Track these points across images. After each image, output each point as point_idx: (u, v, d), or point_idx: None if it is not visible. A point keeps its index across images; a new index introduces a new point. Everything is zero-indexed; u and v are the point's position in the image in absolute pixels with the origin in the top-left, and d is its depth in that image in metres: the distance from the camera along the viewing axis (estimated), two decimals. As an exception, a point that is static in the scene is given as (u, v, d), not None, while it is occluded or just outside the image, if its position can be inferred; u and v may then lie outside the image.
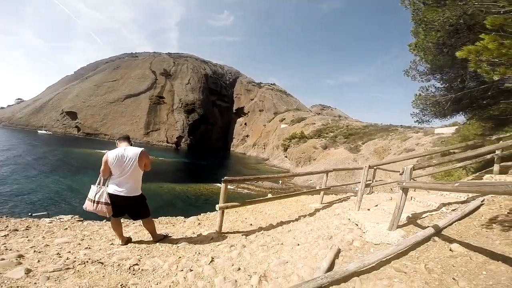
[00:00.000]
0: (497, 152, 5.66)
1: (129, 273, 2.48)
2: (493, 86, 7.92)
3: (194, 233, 4.16)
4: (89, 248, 3.13)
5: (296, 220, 4.86)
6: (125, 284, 2.27)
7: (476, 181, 5.71)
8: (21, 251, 2.80)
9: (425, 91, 10.91)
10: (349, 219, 4.16)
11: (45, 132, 71.28)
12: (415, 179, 5.56)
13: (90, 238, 3.58)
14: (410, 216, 3.72)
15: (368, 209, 4.62)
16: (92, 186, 3.28)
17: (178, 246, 3.36)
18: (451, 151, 9.57)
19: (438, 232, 2.97)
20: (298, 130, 57.72)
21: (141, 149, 3.32)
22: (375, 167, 7.58)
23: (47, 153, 39.24)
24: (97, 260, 2.65)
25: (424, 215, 3.81)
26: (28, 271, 2.26)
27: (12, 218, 4.26)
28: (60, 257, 2.73)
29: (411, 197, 4.93)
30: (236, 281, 2.44)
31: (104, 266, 2.55)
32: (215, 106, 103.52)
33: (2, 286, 2.01)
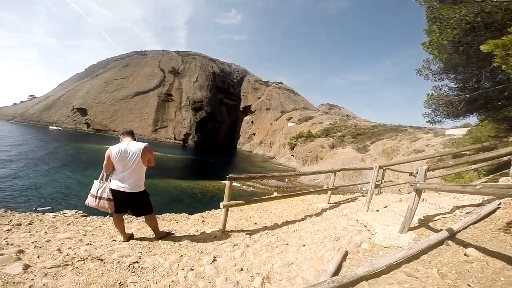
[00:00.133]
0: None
1: (129, 271, 2.41)
2: (510, 86, 7.61)
3: (197, 230, 4.09)
4: (91, 244, 3.08)
5: (302, 219, 4.73)
6: (124, 282, 2.20)
7: (499, 183, 5.45)
8: (22, 246, 2.77)
9: (438, 90, 10.58)
10: (357, 220, 4.01)
11: (56, 128, 72.96)
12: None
13: (92, 234, 3.55)
14: (422, 218, 3.55)
15: (377, 210, 4.46)
16: (94, 181, 3.23)
17: (180, 244, 3.28)
18: (463, 152, 9.26)
19: (452, 235, 2.81)
20: (305, 129, 57.30)
21: (145, 144, 3.25)
22: (385, 168, 7.36)
23: (58, 148, 40.14)
24: (97, 257, 2.59)
25: (436, 218, 3.63)
26: (26, 266, 2.22)
27: (17, 212, 4.27)
28: (60, 253, 2.69)
29: (423, 199, 4.73)
30: (238, 282, 2.34)
31: (104, 263, 2.49)
32: (223, 104, 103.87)
33: None
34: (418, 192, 2.94)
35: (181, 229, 4.18)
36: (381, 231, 3.19)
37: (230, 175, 3.85)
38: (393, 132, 43.71)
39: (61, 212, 4.69)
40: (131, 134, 3.42)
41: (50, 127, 73.27)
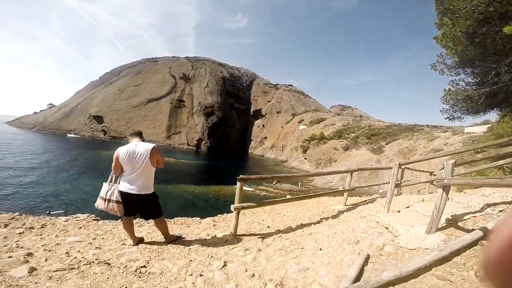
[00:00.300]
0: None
1: (135, 275, 2.29)
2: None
3: (208, 234, 3.96)
4: (100, 247, 3.01)
5: (318, 222, 4.50)
6: (129, 287, 2.09)
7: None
8: (31, 249, 2.73)
9: (455, 85, 10.07)
10: (377, 222, 3.75)
11: (74, 135, 75.61)
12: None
13: (103, 238, 3.49)
14: (450, 218, 3.26)
15: (398, 211, 4.17)
16: (104, 183, 3.18)
17: (190, 248, 3.15)
18: (484, 149, 8.75)
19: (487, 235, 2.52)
20: (317, 131, 56.48)
21: (153, 144, 3.17)
22: (404, 167, 6.98)
23: (77, 156, 41.64)
24: (104, 261, 2.51)
25: (466, 217, 3.32)
26: (32, 269, 2.16)
27: (31, 215, 4.31)
28: (68, 256, 2.62)
29: (448, 198, 4.39)
30: (249, 289, 2.17)
31: (110, 267, 2.39)
32: (233, 108, 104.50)
33: (2, 284, 1.93)
34: (446, 189, 2.68)
35: (192, 233, 4.06)
36: (405, 232, 2.93)
37: (240, 176, 3.70)
38: (408, 132, 42.24)
39: (74, 216, 4.70)
40: (139, 135, 3.36)
41: (68, 135, 75.95)
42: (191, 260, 2.76)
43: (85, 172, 29.40)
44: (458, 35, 7.72)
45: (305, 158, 48.82)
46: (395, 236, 3.03)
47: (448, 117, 10.55)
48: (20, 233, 3.35)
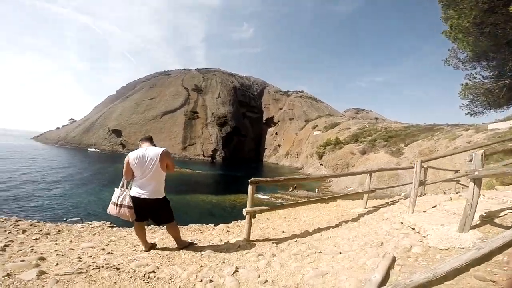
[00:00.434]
0: None
1: (143, 280, 2.20)
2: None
3: (221, 240, 3.83)
4: (111, 253, 2.97)
5: (337, 226, 4.26)
6: (137, 293, 2.00)
7: None
8: (44, 254, 2.73)
9: (472, 79, 9.54)
10: (402, 223, 3.47)
11: (94, 150, 78.67)
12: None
13: (115, 244, 3.46)
14: (484, 214, 2.95)
15: (424, 211, 3.85)
16: (115, 189, 3.17)
17: (202, 254, 3.03)
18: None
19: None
20: (332, 136, 55.45)
21: (163, 149, 3.14)
22: (426, 166, 6.56)
23: (100, 169, 43.29)
24: (114, 266, 2.44)
25: (502, 213, 3.00)
26: (41, 273, 2.14)
27: (49, 223, 4.39)
28: (79, 261, 2.59)
29: (479, 194, 4.02)
30: (262, 295, 2.01)
31: (119, 272, 2.32)
32: (246, 117, 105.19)
33: (9, 286, 1.92)
34: (477, 181, 2.42)
35: (205, 239, 3.96)
36: (435, 232, 2.66)
37: (251, 179, 3.59)
38: (428, 132, 40.38)
39: (90, 222, 4.75)
40: (149, 139, 3.35)
41: (89, 149, 79.10)
42: (202, 266, 2.64)
43: (107, 185, 30.43)
44: (466, 26, 7.42)
45: (321, 164, 47.83)
46: (423, 237, 2.75)
47: (469, 112, 9.98)
48: (36, 238, 3.39)
